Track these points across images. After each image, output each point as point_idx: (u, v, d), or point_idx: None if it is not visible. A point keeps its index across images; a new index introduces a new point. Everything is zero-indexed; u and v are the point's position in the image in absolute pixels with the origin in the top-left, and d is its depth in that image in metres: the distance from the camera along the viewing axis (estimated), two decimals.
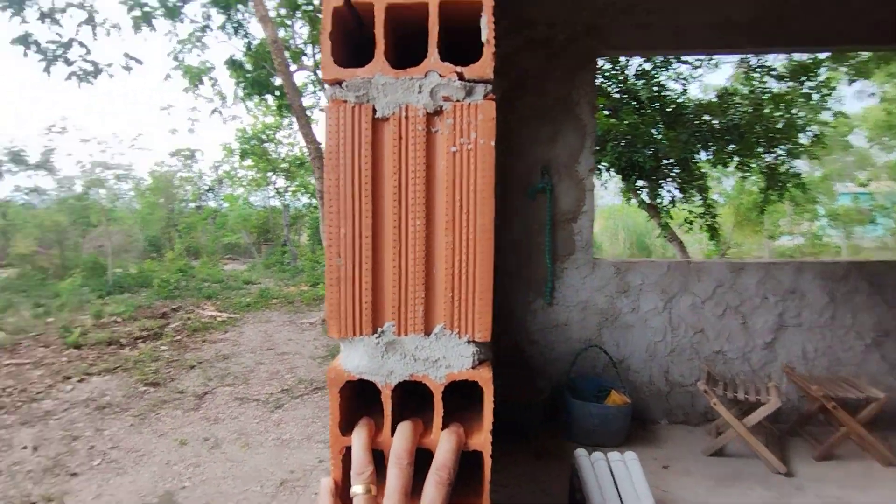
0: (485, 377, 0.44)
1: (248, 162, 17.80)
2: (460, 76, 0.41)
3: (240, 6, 9.05)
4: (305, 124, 7.45)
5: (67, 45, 6.55)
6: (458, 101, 0.42)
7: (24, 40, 6.16)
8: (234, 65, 9.45)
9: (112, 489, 3.71)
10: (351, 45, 0.44)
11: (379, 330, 0.45)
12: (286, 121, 15.40)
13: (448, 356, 0.46)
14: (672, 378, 3.43)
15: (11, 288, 11.64)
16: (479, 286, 0.43)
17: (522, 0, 3.16)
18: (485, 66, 0.40)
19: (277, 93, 9.86)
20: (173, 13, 7.72)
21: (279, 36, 8.05)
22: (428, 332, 0.45)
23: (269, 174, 17.91)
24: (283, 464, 4.01)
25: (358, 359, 0.46)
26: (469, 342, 0.46)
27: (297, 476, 3.81)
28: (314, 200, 15.97)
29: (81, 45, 6.71)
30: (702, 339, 3.39)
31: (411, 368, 0.47)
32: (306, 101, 10.91)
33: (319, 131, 8.53)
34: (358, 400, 0.49)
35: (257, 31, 9.82)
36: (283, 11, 9.27)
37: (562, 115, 3.24)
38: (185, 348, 7.18)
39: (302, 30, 9.77)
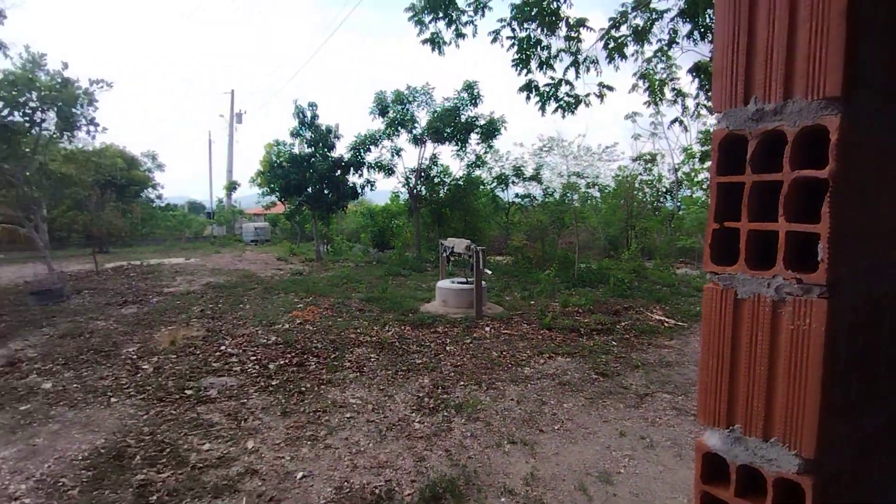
0: (806, 484, 0.61)
1: (709, 164, 17.48)
2: (799, 280, 0.60)
3: (709, 10, 9.06)
4: None
5: (557, 86, 8.11)
6: (797, 296, 0.61)
7: (528, 87, 7.98)
8: (698, 70, 9.54)
9: (565, 452, 4.61)
10: (726, 244, 0.68)
11: (731, 427, 0.68)
12: None
13: (779, 459, 0.63)
14: None
15: (509, 273, 15.25)
16: (807, 418, 0.61)
17: None
18: (819, 276, 0.58)
19: None
20: (642, 37, 8.43)
21: None
22: (766, 440, 0.65)
23: None
24: None
25: (714, 440, 0.70)
26: (796, 455, 0.62)
27: None
28: None
29: (567, 83, 8.18)
30: None
31: (751, 458, 0.65)
32: None
33: None
34: (716, 468, 0.73)
35: None
36: None
37: None
38: (632, 347, 7.88)
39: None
